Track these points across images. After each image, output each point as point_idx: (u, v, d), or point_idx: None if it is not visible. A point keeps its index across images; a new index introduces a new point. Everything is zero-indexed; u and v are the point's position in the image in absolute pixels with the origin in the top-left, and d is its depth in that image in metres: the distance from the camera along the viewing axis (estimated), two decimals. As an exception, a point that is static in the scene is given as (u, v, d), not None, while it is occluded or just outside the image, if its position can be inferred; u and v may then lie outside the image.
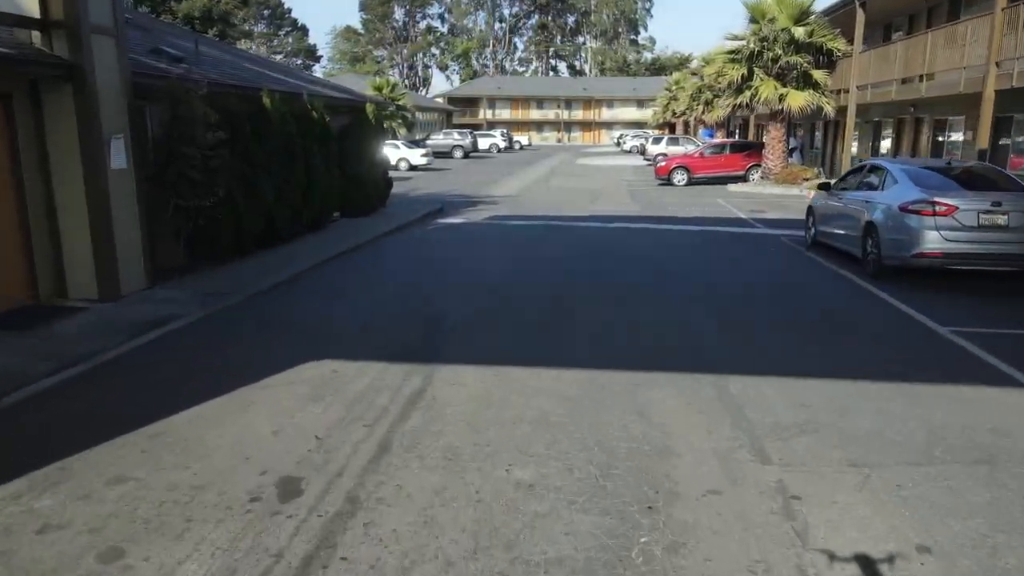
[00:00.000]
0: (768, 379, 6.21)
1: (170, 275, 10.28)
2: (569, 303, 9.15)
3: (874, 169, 11.21)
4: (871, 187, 10.87)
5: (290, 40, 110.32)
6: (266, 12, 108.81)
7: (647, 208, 20.50)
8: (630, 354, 7.02)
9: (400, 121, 44.99)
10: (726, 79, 24.68)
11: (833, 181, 13.27)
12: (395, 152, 35.82)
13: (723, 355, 6.99)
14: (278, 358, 6.83)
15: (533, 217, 18.25)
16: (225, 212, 10.74)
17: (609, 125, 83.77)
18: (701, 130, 49.39)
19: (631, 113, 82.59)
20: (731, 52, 25.03)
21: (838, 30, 23.54)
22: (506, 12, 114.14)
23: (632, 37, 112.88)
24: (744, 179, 27.33)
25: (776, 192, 24.04)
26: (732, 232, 15.68)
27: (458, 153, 48.00)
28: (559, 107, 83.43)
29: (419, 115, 59.38)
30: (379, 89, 44.64)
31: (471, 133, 50.12)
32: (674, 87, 62.62)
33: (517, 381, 6.21)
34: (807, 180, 24.51)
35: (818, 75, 23.41)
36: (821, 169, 26.54)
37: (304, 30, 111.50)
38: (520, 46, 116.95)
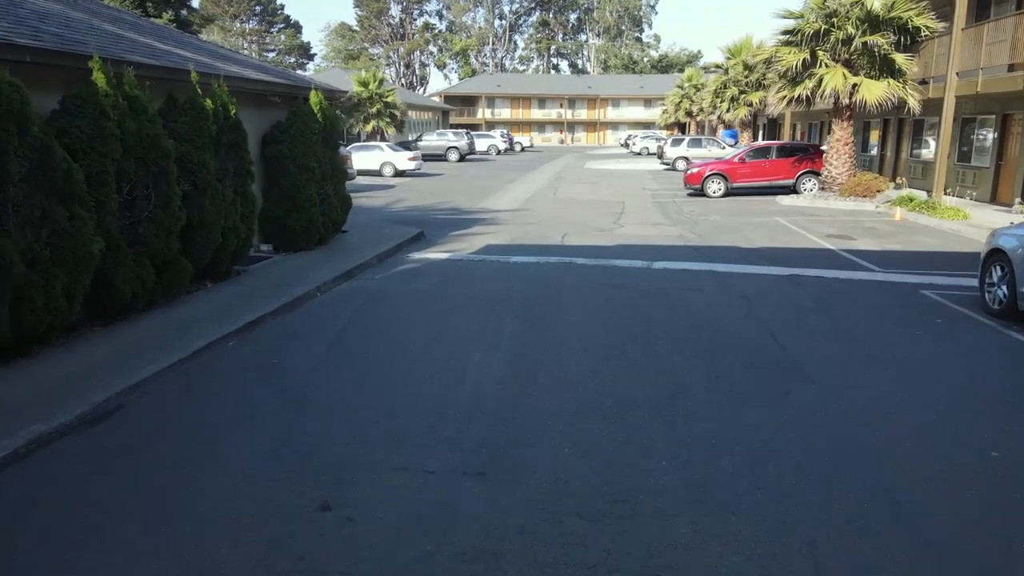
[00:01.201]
0: None
1: None
2: (648, 526, 3.97)
3: None
4: None
5: (282, 37, 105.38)
6: (258, 8, 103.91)
7: (692, 232, 15.33)
8: None
9: (388, 120, 39.81)
10: (782, 65, 19.44)
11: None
12: (378, 155, 30.66)
13: None
14: None
15: (543, 249, 13.09)
16: (-22, 282, 5.59)
17: (615, 125, 78.54)
18: (722, 131, 44.22)
19: (638, 112, 77.36)
20: (787, 32, 19.81)
21: (923, 1, 18.35)
22: (506, 8, 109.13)
23: (636, 35, 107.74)
24: (794, 190, 22.16)
25: (846, 208, 18.86)
26: (838, 279, 10.48)
27: (453, 156, 42.84)
28: (562, 106, 78.19)
29: (412, 114, 54.21)
30: (364, 84, 39.48)
31: (467, 134, 44.92)
32: (686, 84, 57.69)
33: None
34: (880, 192, 19.35)
35: (900, 60, 18.20)
36: (903, 179, 21.33)
37: (297, 27, 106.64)
38: (520, 44, 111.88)
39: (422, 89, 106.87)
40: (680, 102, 57.60)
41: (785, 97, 19.92)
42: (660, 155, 35.21)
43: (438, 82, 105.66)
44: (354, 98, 39.33)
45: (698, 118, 49.97)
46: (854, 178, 19.72)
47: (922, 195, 18.16)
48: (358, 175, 29.77)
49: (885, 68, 18.37)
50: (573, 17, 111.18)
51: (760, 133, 41.63)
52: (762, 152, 22.95)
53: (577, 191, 25.73)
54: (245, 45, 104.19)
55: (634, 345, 7.24)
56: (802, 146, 23.23)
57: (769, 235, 14.82)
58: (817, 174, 21.85)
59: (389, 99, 39.62)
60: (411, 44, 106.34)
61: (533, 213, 19.05)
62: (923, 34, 18.15)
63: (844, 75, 18.50)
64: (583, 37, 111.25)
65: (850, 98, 18.56)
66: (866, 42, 17.93)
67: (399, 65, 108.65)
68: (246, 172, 10.03)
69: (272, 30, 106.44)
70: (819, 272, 10.90)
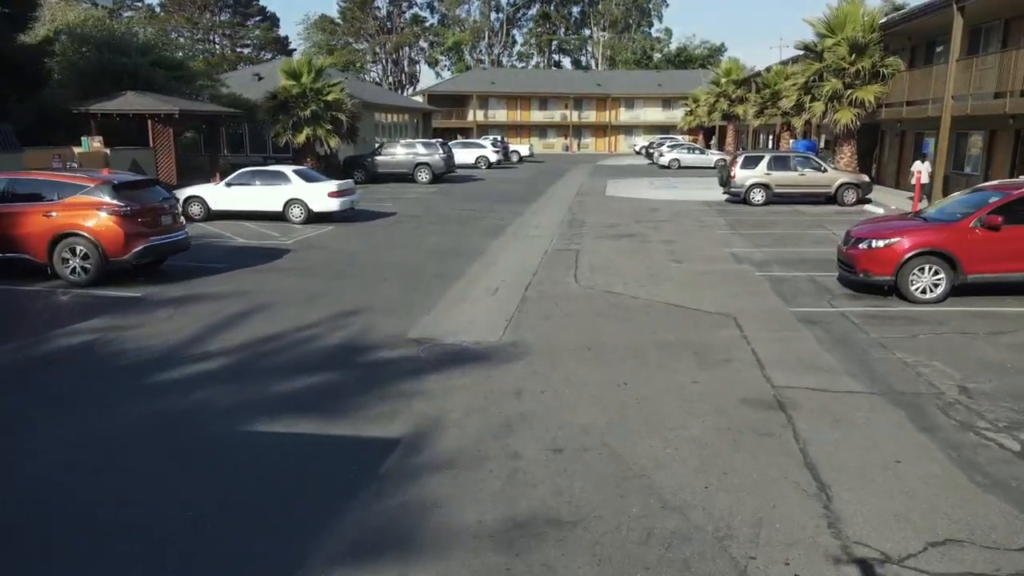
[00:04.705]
0: None
1: None
2: None
3: None
4: None
5: (258, 31, 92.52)
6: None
7: None
8: None
9: (329, 127, 27.25)
10: None
11: None
12: (280, 190, 18.01)
13: None
14: None
15: None
16: None
17: (628, 129, 65.88)
18: (792, 141, 31.76)
19: (655, 114, 64.72)
20: None
21: None
22: (503, 1, 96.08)
23: (646, 28, 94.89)
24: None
25: None
26: None
27: (424, 175, 30.29)
28: (567, 107, 65.46)
29: (382, 117, 41.67)
30: (295, 76, 26.97)
31: (441, 144, 32.23)
32: (723, 80, 45.35)
33: None
34: None
35: None
36: None
37: (274, 20, 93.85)
38: (519, 39, 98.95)
39: (412, 88, 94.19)
40: (716, 102, 45.28)
41: None
42: (725, 182, 22.77)
43: (430, 81, 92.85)
44: (279, 96, 26.82)
45: (750, 121, 37.46)
46: None
47: None
48: (244, 223, 17.42)
49: None
50: (576, 10, 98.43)
51: (825, 140, 29.03)
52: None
53: (617, 264, 13.24)
54: (216, 39, 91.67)
55: None
56: None
57: None
58: None
59: (331, 97, 27.07)
60: (399, 39, 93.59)
61: (544, 407, 6.60)
62: None
63: None
64: (587, 32, 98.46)
65: None
66: None
67: (386, 62, 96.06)
68: None
69: (247, 23, 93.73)
70: None
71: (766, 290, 11.34)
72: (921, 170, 22.20)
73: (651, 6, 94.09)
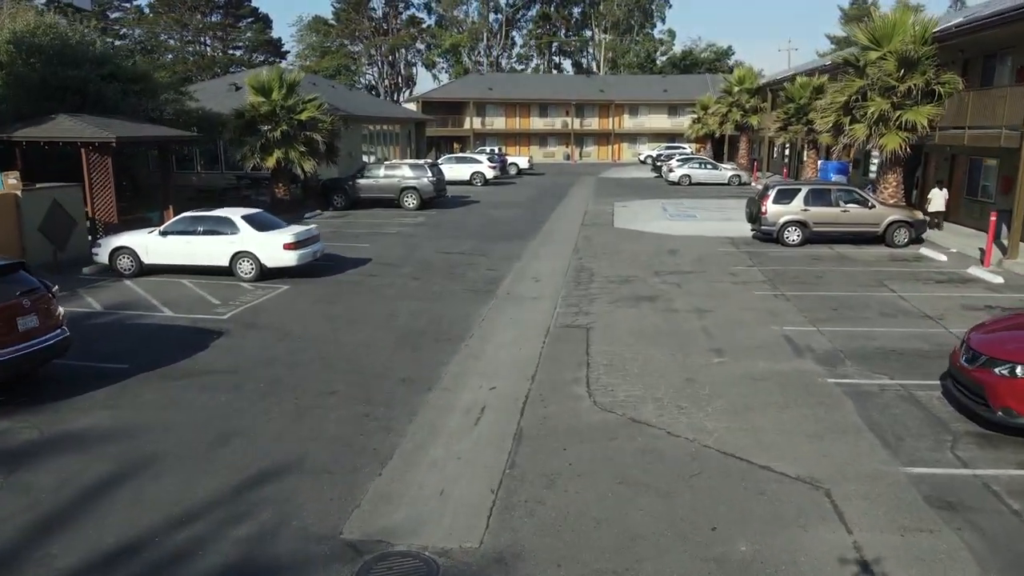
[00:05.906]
0: None
1: None
2: None
3: None
4: None
5: (249, 33, 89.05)
6: (222, 0, 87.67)
7: None
8: None
9: (303, 149, 23.98)
10: None
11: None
12: (224, 242, 14.66)
13: None
14: None
15: None
16: None
17: (632, 137, 62.53)
18: (820, 162, 28.51)
19: (661, 121, 61.33)
20: None
21: None
22: (502, 1, 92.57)
23: (648, 30, 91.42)
24: None
25: None
26: None
27: (411, 200, 27.00)
28: (568, 114, 62.12)
29: (369, 129, 38.38)
30: (265, 91, 23.72)
31: (430, 165, 28.90)
32: (736, 88, 42.15)
33: None
34: None
35: None
36: None
37: (266, 21, 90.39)
38: (519, 41, 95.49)
39: (408, 92, 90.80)
40: (728, 111, 42.02)
41: None
42: (754, 218, 19.49)
43: (427, 84, 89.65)
44: (247, 114, 23.58)
45: (768, 134, 34.24)
46: None
47: None
48: (183, 280, 14.17)
49: None
50: (577, 11, 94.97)
51: (867, 165, 25.70)
52: None
53: (641, 357, 9.91)
54: (207, 41, 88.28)
55: None
56: None
57: None
58: None
59: (304, 116, 23.80)
60: (395, 40, 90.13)
61: None
62: None
63: None
64: (588, 33, 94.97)
65: None
66: None
67: (382, 64, 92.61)
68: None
69: (238, 24, 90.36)
70: None
71: (854, 420, 8.11)
72: (933, 197, 20.41)
73: (654, 7, 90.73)
